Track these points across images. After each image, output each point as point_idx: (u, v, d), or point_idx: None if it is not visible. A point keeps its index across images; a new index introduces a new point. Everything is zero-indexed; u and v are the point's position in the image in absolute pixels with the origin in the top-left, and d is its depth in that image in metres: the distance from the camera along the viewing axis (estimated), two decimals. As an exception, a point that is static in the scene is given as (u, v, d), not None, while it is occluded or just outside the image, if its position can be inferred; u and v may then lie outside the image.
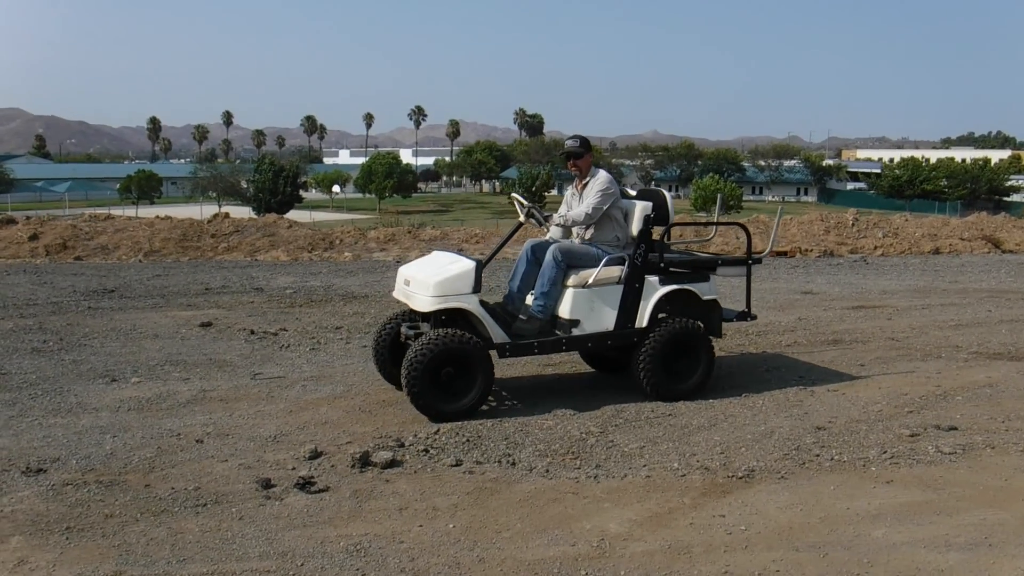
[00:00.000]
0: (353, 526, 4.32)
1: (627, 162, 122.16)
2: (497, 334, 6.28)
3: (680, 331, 6.63)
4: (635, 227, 6.88)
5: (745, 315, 7.29)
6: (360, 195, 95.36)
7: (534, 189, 73.05)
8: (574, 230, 7.02)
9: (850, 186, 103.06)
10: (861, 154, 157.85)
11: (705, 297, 6.91)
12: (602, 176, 6.84)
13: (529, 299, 6.68)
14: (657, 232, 6.89)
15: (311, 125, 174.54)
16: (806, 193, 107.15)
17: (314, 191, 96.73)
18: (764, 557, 4.03)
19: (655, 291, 6.66)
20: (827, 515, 4.51)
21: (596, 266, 6.55)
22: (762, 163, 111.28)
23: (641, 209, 6.87)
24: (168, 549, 4.05)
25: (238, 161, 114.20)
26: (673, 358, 6.62)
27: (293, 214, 46.35)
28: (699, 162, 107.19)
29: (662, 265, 6.73)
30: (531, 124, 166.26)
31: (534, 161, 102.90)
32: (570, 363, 7.79)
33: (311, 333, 8.96)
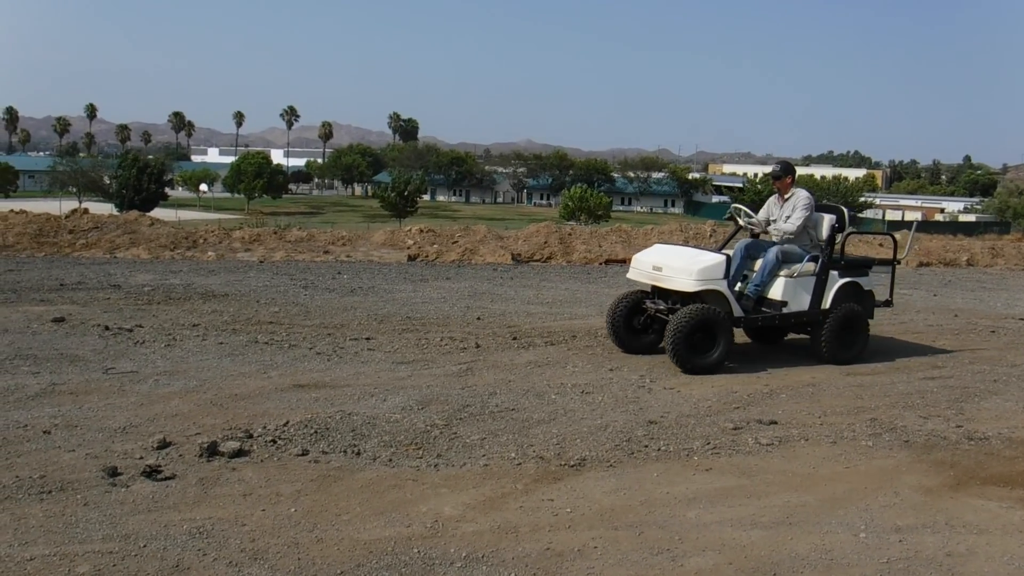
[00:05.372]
0: (197, 511, 4.46)
1: (500, 169, 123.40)
2: (736, 310, 8.22)
3: (850, 313, 8.58)
4: (824, 233, 8.74)
5: (888, 302, 9.40)
6: (229, 195, 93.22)
7: (407, 193, 72.93)
8: (770, 229, 8.91)
9: (715, 199, 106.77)
10: (727, 168, 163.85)
11: (865, 288, 8.91)
12: (803, 194, 8.75)
13: (738, 284, 8.57)
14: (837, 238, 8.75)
15: (179, 122, 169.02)
16: (673, 205, 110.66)
17: (181, 189, 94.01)
18: (585, 535, 4.38)
19: (836, 282, 8.64)
20: (647, 499, 4.91)
21: (801, 262, 8.51)
22: (631, 175, 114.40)
23: (828, 220, 8.73)
24: (11, 533, 4.10)
25: (101, 156, 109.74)
26: (844, 333, 8.52)
27: (158, 212, 44.95)
28: (570, 172, 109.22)
29: (841, 263, 8.74)
30: (405, 128, 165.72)
31: (407, 165, 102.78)
32: (423, 361, 8.03)
33: (167, 330, 8.89)
